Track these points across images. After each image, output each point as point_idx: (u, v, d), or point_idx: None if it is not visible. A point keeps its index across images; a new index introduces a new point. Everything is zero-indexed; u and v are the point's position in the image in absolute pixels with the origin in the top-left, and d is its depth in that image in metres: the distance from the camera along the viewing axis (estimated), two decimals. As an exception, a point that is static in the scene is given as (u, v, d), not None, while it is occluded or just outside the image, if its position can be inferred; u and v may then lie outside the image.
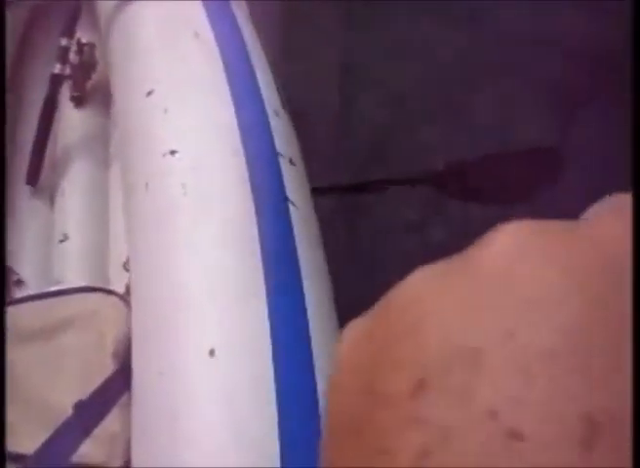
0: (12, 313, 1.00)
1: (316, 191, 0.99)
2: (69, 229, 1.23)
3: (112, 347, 0.94)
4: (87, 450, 0.89)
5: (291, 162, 0.94)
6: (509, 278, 0.20)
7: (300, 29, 1.97)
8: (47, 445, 0.87)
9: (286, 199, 0.89)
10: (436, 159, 1.83)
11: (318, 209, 0.95)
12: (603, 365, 0.19)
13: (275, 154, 0.93)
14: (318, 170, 1.10)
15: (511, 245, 0.21)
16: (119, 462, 0.89)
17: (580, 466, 0.18)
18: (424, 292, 0.21)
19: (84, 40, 1.31)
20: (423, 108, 1.99)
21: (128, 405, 0.88)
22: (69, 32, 1.31)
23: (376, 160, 1.95)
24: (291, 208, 0.89)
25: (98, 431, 0.89)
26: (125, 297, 0.99)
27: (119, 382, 0.91)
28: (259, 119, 0.97)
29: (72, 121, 1.35)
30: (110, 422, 0.90)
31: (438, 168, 1.80)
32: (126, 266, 1.03)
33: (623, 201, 0.22)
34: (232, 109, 0.96)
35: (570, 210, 0.24)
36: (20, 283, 1.16)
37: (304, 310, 0.80)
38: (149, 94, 1.01)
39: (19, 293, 1.12)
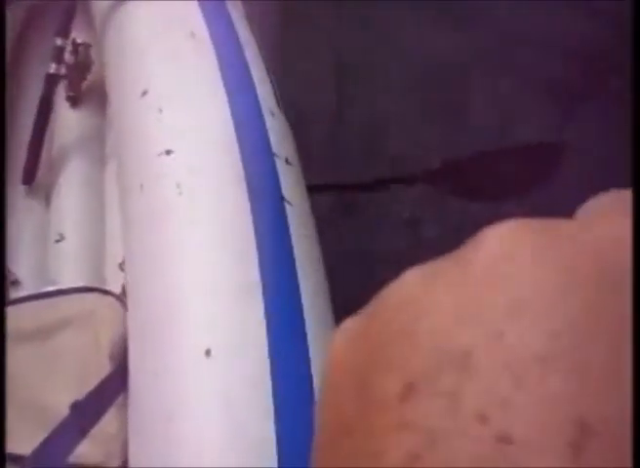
0: (8, 313, 1.00)
1: (313, 189, 0.99)
2: (65, 229, 1.22)
3: (109, 348, 0.94)
4: (84, 451, 0.89)
5: (287, 161, 0.94)
6: (500, 278, 0.20)
7: (297, 29, 1.97)
8: (44, 445, 0.87)
9: (282, 198, 0.89)
10: (434, 159, 1.83)
11: (314, 207, 0.95)
12: (597, 367, 0.18)
13: (271, 154, 0.93)
14: (314, 169, 1.10)
15: (503, 244, 0.21)
16: (116, 462, 0.89)
17: None
18: (416, 292, 0.21)
19: (79, 40, 1.31)
20: (422, 108, 1.99)
21: (125, 405, 0.88)
22: (64, 32, 1.30)
23: (372, 159, 1.95)
24: (287, 207, 0.89)
25: (94, 431, 0.89)
26: (121, 298, 0.99)
27: (116, 382, 0.91)
28: (254, 119, 0.97)
29: (68, 121, 1.35)
30: (107, 423, 0.90)
31: (434, 166, 1.80)
32: (122, 266, 1.03)
33: (620, 198, 0.22)
34: (228, 109, 0.96)
35: (566, 208, 0.24)
36: (15, 283, 1.16)
37: (301, 309, 0.80)
38: (144, 93, 1.01)
39: (14, 294, 1.12)
